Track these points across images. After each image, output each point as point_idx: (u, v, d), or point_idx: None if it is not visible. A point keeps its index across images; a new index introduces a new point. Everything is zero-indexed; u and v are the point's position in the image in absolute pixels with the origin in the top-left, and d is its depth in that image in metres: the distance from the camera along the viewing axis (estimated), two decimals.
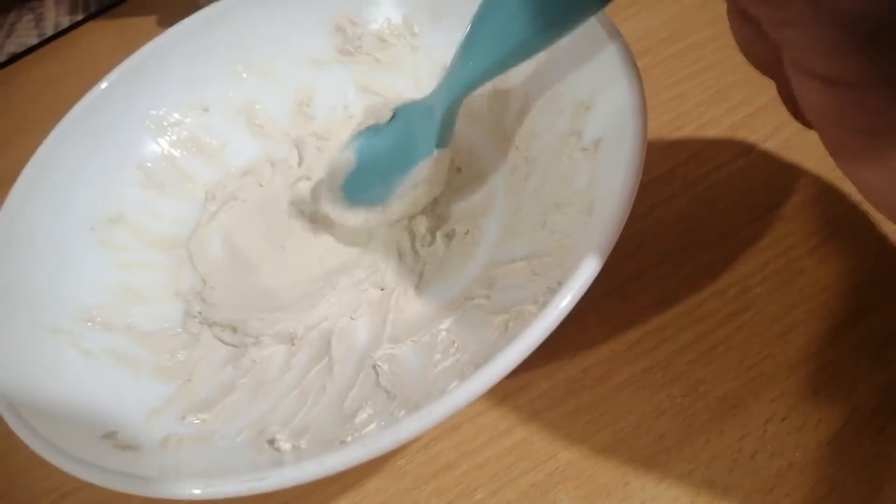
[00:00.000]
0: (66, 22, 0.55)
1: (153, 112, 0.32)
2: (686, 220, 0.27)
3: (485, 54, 0.22)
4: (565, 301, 0.18)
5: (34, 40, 0.54)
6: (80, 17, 0.54)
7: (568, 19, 0.21)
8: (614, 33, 0.23)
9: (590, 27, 0.24)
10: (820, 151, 0.27)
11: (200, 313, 0.27)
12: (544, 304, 0.19)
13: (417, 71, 0.32)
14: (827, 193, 0.27)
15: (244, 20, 0.32)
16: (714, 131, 0.30)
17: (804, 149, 0.28)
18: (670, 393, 0.23)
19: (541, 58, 0.27)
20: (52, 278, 0.26)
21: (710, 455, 0.22)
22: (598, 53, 0.24)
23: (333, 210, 0.28)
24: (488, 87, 0.29)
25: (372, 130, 0.28)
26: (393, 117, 0.28)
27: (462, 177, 0.29)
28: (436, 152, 0.26)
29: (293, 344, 0.26)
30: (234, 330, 0.26)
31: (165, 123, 0.32)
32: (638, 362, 0.24)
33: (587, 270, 0.18)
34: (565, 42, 0.25)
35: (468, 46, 0.23)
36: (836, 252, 0.25)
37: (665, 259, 0.27)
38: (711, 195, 0.28)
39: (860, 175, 0.14)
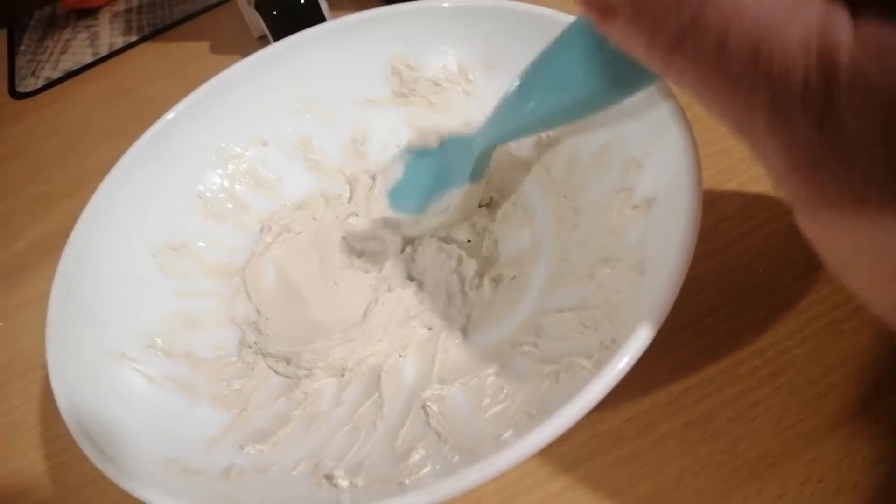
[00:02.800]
0: (120, 42, 0.57)
1: (215, 144, 0.33)
2: (728, 276, 0.28)
3: (532, 108, 0.22)
4: (623, 362, 0.19)
5: (89, 58, 0.56)
6: (133, 38, 0.56)
7: (628, 84, 0.19)
8: (667, 92, 0.24)
9: None
10: None
11: (256, 343, 0.28)
12: (600, 362, 0.20)
13: (469, 116, 0.33)
14: None
15: (306, 59, 0.33)
16: (758, 188, 0.31)
17: None
18: (710, 449, 0.24)
19: None
20: (118, 304, 0.27)
21: None
22: (651, 111, 0.25)
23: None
24: (539, 135, 0.31)
25: (422, 152, 0.32)
26: (440, 145, 0.31)
27: (510, 223, 0.30)
28: (467, 185, 0.29)
29: (343, 376, 0.27)
30: (288, 361, 0.27)
31: (226, 156, 0.33)
32: (679, 416, 0.25)
33: (645, 332, 0.19)
34: None
35: (518, 95, 0.23)
36: (875, 316, 0.26)
37: (706, 314, 0.27)
38: (753, 252, 0.29)
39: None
